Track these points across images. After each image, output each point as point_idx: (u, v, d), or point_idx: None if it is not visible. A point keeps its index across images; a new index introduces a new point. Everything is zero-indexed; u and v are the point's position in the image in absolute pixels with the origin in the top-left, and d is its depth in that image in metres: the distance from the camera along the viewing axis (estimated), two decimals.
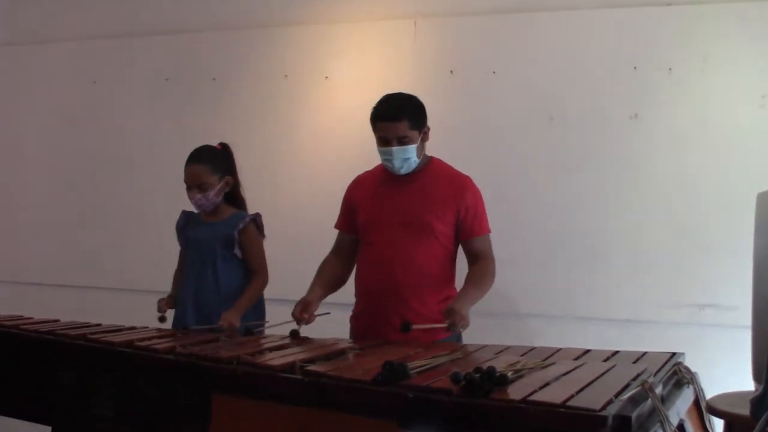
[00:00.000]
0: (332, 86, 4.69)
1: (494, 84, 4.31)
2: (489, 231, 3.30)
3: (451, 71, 4.39)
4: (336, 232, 3.51)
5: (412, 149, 3.16)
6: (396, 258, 3.19)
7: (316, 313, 3.22)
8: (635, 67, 4.07)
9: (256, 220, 3.65)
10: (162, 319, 3.56)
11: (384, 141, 3.18)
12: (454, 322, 2.92)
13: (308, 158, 4.73)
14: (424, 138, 3.24)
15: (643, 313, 4.03)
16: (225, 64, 4.96)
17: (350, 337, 3.33)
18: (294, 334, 3.10)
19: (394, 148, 3.15)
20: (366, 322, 3.27)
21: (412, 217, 3.21)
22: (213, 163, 3.57)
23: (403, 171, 3.21)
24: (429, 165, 3.30)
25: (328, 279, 3.38)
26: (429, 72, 4.43)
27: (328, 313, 3.29)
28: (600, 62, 4.13)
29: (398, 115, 3.14)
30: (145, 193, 5.10)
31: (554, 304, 4.16)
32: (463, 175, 3.32)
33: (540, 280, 4.19)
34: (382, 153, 3.21)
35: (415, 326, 2.93)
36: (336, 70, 4.68)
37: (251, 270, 3.61)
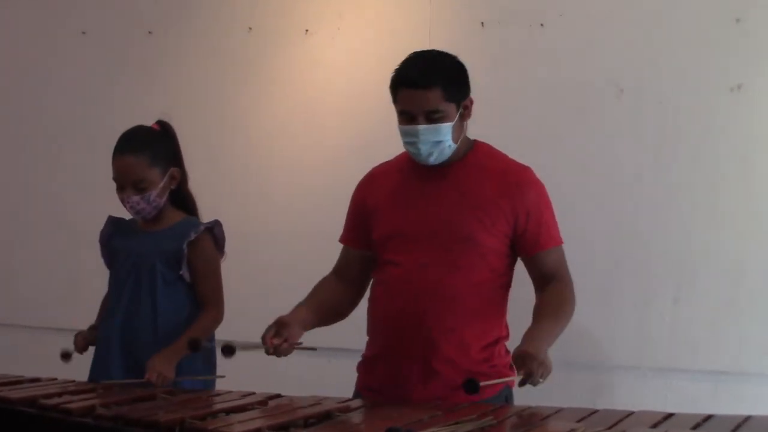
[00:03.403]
0: (315, 44, 4.71)
1: (542, 42, 4.34)
2: (561, 242, 3.27)
3: (483, 23, 4.42)
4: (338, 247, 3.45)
5: (446, 129, 3.10)
6: (426, 286, 3.13)
7: (298, 345, 3.16)
8: (738, 20, 4.08)
9: (214, 230, 3.61)
10: (65, 356, 3.55)
11: (407, 117, 3.11)
12: (532, 371, 2.87)
13: (283, 143, 4.75)
14: (465, 114, 3.19)
15: (745, 363, 4.05)
16: (164, 12, 4.99)
17: (355, 391, 3.31)
18: (228, 349, 3.06)
19: (421, 127, 3.08)
20: (382, 373, 3.22)
21: (449, 227, 3.15)
22: (152, 152, 3.51)
23: (432, 159, 3.14)
24: (472, 152, 3.26)
25: (323, 301, 3.32)
26: (452, 24, 4.45)
27: (314, 349, 3.25)
28: (689, 12, 4.15)
29: (428, 81, 3.07)
30: (54, 195, 5.12)
31: (624, 350, 4.19)
32: (521, 165, 3.27)
33: (604, 316, 4.20)
34: (404, 133, 3.14)
35: (484, 383, 2.82)
36: (320, 21, 4.70)
37: (200, 300, 3.59)
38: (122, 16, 5.05)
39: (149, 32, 5.00)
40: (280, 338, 3.08)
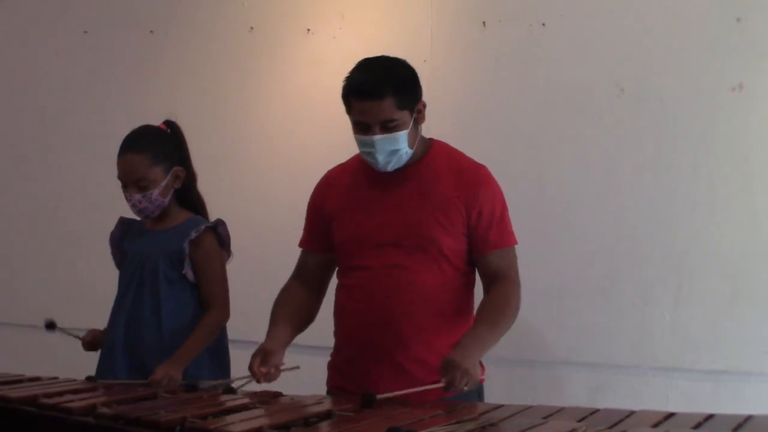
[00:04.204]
0: (317, 43, 4.72)
1: (543, 41, 4.33)
2: (514, 243, 3.25)
3: (484, 23, 4.41)
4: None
5: (401, 137, 3.11)
6: (396, 287, 3.15)
7: (282, 367, 3.17)
8: (739, 19, 4.08)
9: (218, 229, 3.61)
10: (50, 326, 3.64)
11: (362, 127, 3.12)
12: (453, 380, 2.86)
13: (283, 142, 4.76)
14: (419, 119, 3.19)
15: (746, 363, 4.04)
16: (166, 11, 4.99)
17: (327, 390, 3.33)
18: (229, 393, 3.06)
19: (377, 137, 3.09)
20: (353, 374, 3.25)
21: (412, 230, 3.16)
22: (155, 151, 3.52)
23: (390, 167, 3.17)
24: (429, 153, 3.26)
25: (294, 314, 3.32)
26: (453, 24, 4.45)
27: (298, 367, 3.28)
28: (690, 12, 4.14)
29: (381, 91, 3.06)
30: (55, 194, 5.12)
31: (624, 350, 4.18)
32: (476, 163, 3.27)
33: (604, 316, 4.19)
34: (360, 143, 3.17)
35: (382, 396, 2.84)
36: (322, 21, 4.71)
37: (204, 300, 3.59)
38: (124, 15, 5.05)
39: (150, 31, 5.00)
40: (267, 366, 3.11)
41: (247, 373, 3.15)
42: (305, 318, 3.36)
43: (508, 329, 3.13)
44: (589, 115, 4.25)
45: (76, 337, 3.67)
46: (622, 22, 4.21)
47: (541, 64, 4.32)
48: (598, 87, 4.24)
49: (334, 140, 4.49)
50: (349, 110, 3.16)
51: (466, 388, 2.89)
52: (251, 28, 4.82)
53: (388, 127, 3.08)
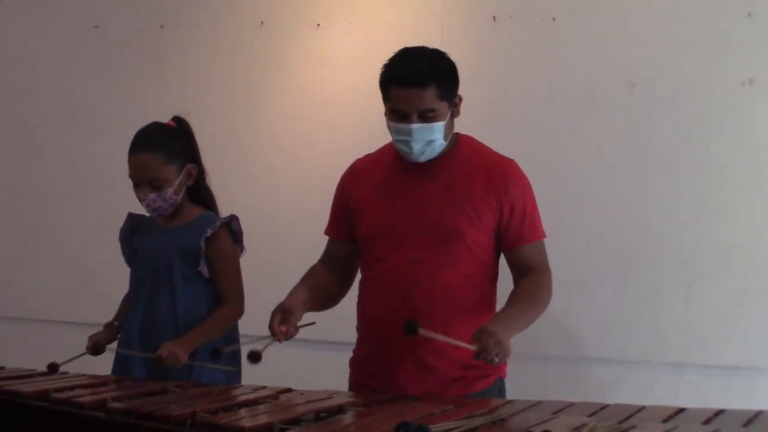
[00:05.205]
0: (327, 38, 4.72)
1: (553, 37, 4.33)
2: (544, 236, 3.26)
3: (494, 18, 4.41)
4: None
5: (438, 128, 3.10)
6: (418, 282, 3.14)
7: (299, 323, 3.15)
8: (749, 14, 4.07)
9: (232, 224, 3.60)
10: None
11: (400, 115, 3.09)
12: (486, 346, 2.85)
13: (293, 138, 4.77)
14: (454, 112, 3.18)
15: (756, 358, 4.05)
16: (176, 6, 5.01)
17: (349, 387, 3.33)
18: (254, 356, 3.03)
19: (415, 126, 3.07)
20: (376, 370, 3.25)
21: (437, 223, 3.15)
22: (168, 149, 3.50)
23: (423, 158, 3.15)
24: (456, 146, 3.25)
25: (317, 285, 3.30)
26: (463, 19, 4.46)
27: (314, 323, 3.26)
28: (700, 7, 4.14)
29: (424, 80, 3.04)
30: (65, 190, 5.13)
31: (634, 345, 4.18)
32: (505, 158, 3.27)
33: (615, 311, 4.19)
34: (396, 131, 3.13)
35: (424, 331, 2.87)
36: (332, 15, 4.72)
37: (220, 295, 3.58)
38: (134, 10, 5.06)
39: (161, 26, 5.01)
40: (287, 324, 3.08)
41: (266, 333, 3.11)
42: (327, 295, 3.35)
43: (537, 318, 3.14)
44: (600, 111, 4.25)
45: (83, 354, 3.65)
46: (632, 17, 4.21)
47: (552, 59, 4.32)
48: (609, 82, 4.23)
49: (343, 136, 4.52)
50: (387, 98, 3.13)
51: (497, 359, 2.88)
52: (261, 22, 4.82)
53: (427, 117, 3.07)
